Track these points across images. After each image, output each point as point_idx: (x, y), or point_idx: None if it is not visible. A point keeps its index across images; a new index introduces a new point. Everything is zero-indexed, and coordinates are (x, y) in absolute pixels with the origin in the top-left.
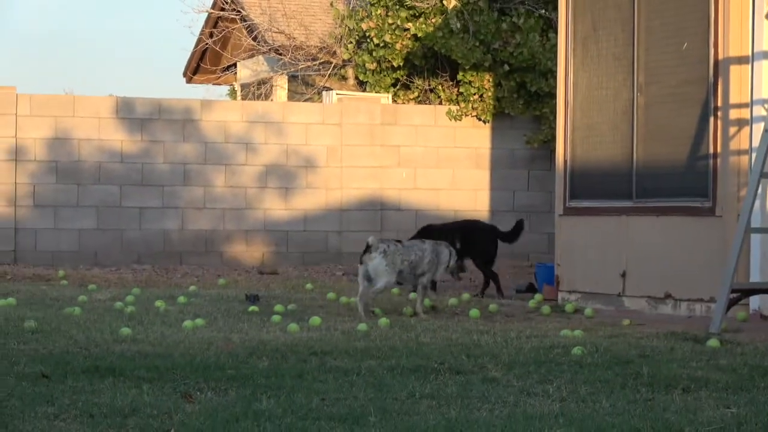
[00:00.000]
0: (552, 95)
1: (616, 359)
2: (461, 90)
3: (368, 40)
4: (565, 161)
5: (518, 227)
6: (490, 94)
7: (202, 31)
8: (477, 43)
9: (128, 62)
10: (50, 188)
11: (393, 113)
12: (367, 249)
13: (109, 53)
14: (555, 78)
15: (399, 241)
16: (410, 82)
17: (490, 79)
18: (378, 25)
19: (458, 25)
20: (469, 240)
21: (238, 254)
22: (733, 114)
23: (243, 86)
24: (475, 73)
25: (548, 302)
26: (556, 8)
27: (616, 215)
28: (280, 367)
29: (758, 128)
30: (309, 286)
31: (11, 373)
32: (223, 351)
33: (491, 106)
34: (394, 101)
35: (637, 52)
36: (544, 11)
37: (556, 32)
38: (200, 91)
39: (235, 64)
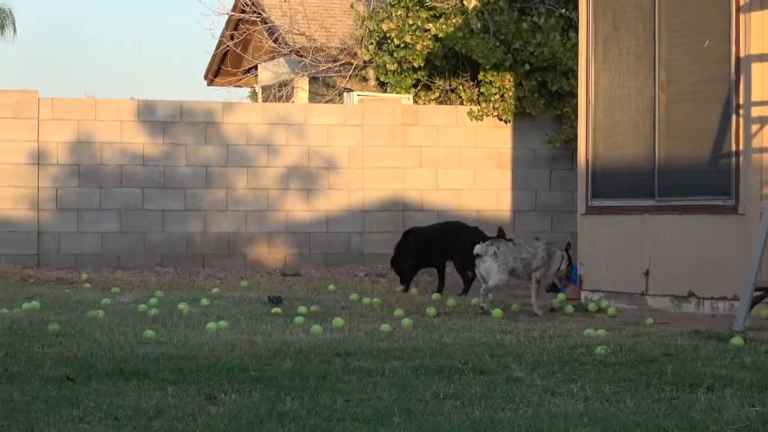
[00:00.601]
0: (573, 94)
1: (640, 358)
2: (482, 90)
3: (389, 41)
4: (587, 160)
5: (500, 234)
6: (511, 93)
7: (222, 33)
8: (497, 43)
9: (149, 65)
10: (73, 191)
11: (414, 114)
12: (478, 256)
13: (130, 56)
14: (576, 77)
15: (510, 240)
16: (431, 82)
17: (511, 79)
18: (398, 26)
19: (479, 25)
20: (451, 241)
21: (260, 256)
22: (755, 111)
23: (264, 88)
24: (495, 73)
25: (571, 301)
26: (576, 7)
27: (638, 214)
28: (303, 369)
29: None
30: (332, 287)
31: (36, 377)
32: (246, 353)
33: (512, 106)
34: (415, 102)
35: (659, 51)
36: (564, 11)
37: (576, 32)
38: (221, 93)
39: (256, 67)
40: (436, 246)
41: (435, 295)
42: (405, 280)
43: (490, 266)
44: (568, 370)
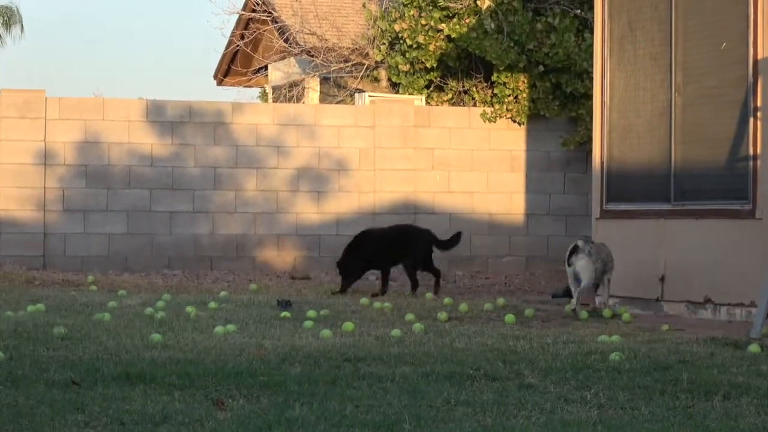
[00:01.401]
0: (588, 96)
1: (655, 365)
2: (496, 91)
3: (401, 41)
4: (602, 163)
5: (456, 237)
6: (524, 95)
7: (233, 32)
8: (511, 44)
9: (158, 65)
10: (80, 192)
11: (426, 115)
12: (574, 251)
13: (139, 56)
14: (591, 79)
15: (591, 241)
16: (444, 83)
17: (525, 81)
18: (411, 26)
19: (492, 26)
20: (403, 245)
21: (269, 259)
22: None
23: (274, 89)
24: (509, 74)
25: (585, 307)
26: (591, 8)
27: (654, 218)
28: (312, 374)
29: None
30: None
31: (41, 380)
32: (255, 357)
33: (526, 108)
34: (428, 103)
35: (675, 52)
36: (579, 11)
37: (591, 32)
38: (231, 93)
39: (266, 67)
40: (388, 249)
41: (446, 300)
42: (347, 281)
43: (586, 264)
44: (581, 376)
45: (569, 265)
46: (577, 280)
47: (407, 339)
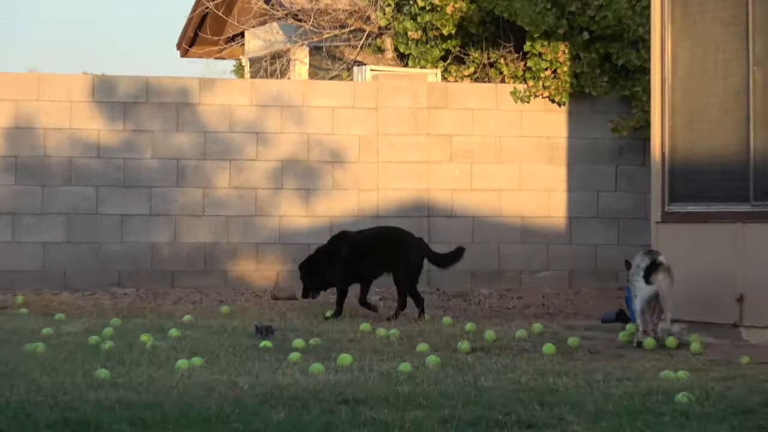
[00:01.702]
0: (644, 70)
1: (732, 408)
2: (529, 64)
3: (411, 2)
4: (663, 154)
5: (457, 254)
6: (565, 69)
7: None
8: (548, 6)
9: (107, 31)
10: (7, 190)
11: (443, 94)
12: (656, 266)
13: (83, 19)
14: (648, 49)
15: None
16: (464, 54)
17: (566, 51)
18: None
19: None
20: (390, 250)
21: (246, 274)
22: None
23: (252, 61)
24: (546, 43)
25: (646, 335)
26: None
27: (729, 222)
28: (300, 420)
29: None
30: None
31: None
32: (227, 399)
33: (567, 85)
34: (444, 79)
35: (753, 15)
36: None
37: None
38: (198, 67)
39: (242, 34)
40: (372, 256)
41: (469, 325)
42: (338, 299)
43: (668, 285)
44: (640, 423)
45: (649, 283)
46: (643, 302)
47: (419, 375)
